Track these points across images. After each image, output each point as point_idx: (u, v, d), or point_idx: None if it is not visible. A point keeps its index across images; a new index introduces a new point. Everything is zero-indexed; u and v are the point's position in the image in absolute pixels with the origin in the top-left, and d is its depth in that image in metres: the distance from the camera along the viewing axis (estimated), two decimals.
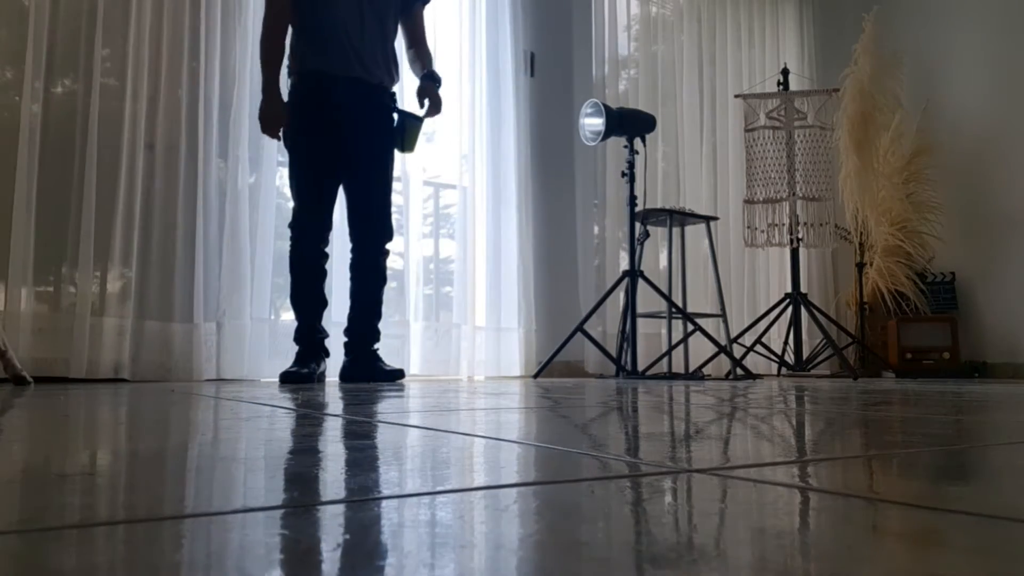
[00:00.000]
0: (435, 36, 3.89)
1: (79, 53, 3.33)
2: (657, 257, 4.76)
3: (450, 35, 4.29)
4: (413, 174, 4.05)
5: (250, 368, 3.55)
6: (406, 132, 3.18)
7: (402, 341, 3.96)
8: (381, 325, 3.24)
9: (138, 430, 1.11)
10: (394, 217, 3.26)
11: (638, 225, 3.95)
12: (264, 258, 3.64)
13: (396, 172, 3.32)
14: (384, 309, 3.25)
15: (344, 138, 3.07)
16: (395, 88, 3.27)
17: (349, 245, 3.21)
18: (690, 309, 4.33)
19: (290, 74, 3.12)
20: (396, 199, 3.40)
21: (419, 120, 3.21)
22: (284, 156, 3.30)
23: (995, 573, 0.38)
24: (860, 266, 4.99)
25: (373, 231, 3.16)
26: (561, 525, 0.48)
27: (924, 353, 4.75)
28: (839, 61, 5.37)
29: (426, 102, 3.22)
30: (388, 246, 3.20)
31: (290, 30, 3.11)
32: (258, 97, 3.06)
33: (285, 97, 3.09)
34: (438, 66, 3.44)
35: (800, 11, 5.76)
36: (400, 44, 3.36)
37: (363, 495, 0.57)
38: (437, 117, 3.30)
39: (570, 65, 4.76)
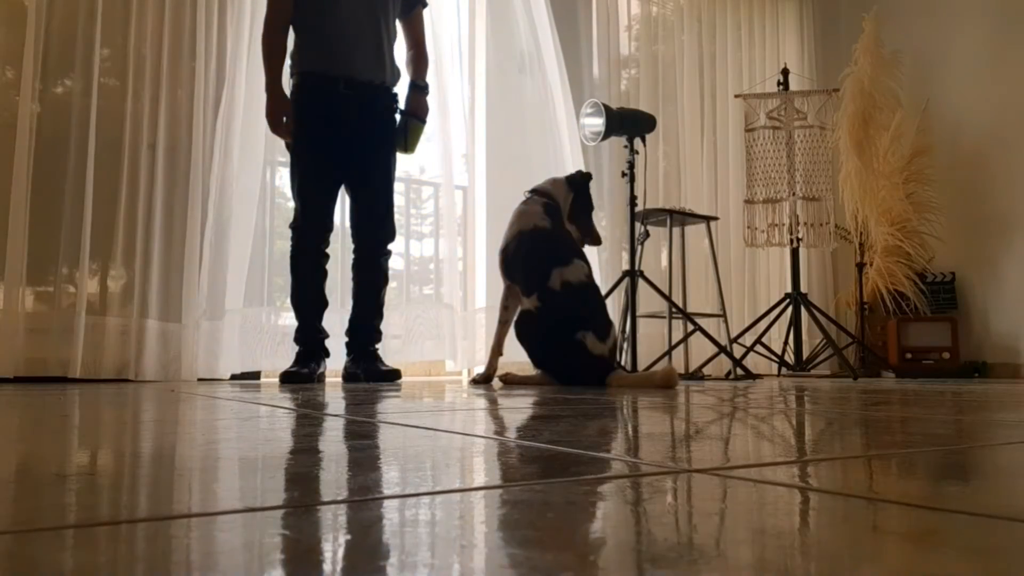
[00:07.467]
0: (435, 36, 3.89)
1: (78, 53, 3.33)
2: (657, 257, 4.76)
3: (450, 34, 4.28)
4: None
5: (249, 368, 3.55)
6: (408, 133, 3.18)
7: (404, 338, 3.96)
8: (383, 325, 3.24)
9: (138, 430, 1.11)
10: (397, 219, 3.26)
11: (638, 225, 3.95)
12: (263, 258, 3.64)
13: (405, 174, 3.31)
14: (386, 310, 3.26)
15: (346, 139, 3.06)
16: (396, 88, 3.27)
17: (350, 245, 3.21)
18: (690, 309, 4.33)
19: (292, 75, 3.12)
20: (398, 200, 3.40)
21: (422, 121, 3.22)
22: (285, 156, 3.29)
23: (995, 573, 0.38)
24: (860, 266, 4.99)
25: (375, 232, 3.16)
26: (561, 525, 0.47)
27: (924, 353, 4.75)
28: (839, 61, 5.36)
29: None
30: (390, 246, 3.21)
31: (292, 31, 3.11)
32: (257, 97, 3.06)
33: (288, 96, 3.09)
34: (438, 65, 3.43)
35: (800, 11, 5.75)
36: (400, 44, 3.36)
37: (363, 495, 0.57)
38: (429, 120, 3.31)
39: (570, 65, 4.75)
